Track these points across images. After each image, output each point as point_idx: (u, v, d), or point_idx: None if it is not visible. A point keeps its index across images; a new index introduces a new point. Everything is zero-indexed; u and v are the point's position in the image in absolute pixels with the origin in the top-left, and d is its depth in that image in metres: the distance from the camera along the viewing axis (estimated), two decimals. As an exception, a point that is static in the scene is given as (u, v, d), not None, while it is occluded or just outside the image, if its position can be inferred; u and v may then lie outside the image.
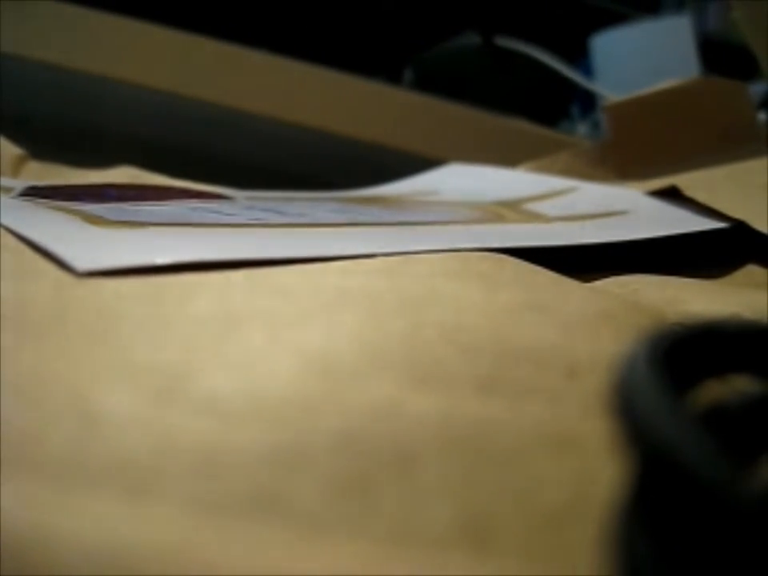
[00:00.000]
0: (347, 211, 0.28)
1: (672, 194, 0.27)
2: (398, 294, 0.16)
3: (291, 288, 0.16)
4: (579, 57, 0.63)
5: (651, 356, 0.09)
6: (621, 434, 0.08)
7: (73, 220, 0.20)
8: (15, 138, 0.35)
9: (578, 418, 0.12)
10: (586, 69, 0.63)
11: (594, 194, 0.30)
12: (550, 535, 0.09)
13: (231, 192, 0.31)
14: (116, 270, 0.15)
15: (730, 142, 0.34)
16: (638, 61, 0.60)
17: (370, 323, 0.14)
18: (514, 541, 0.09)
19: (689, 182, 0.27)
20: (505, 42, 0.61)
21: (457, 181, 0.35)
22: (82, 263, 0.15)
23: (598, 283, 0.20)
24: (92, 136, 0.48)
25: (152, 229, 0.20)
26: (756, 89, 0.46)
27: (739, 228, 0.23)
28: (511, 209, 0.29)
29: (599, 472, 0.10)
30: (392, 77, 0.62)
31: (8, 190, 0.26)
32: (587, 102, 0.63)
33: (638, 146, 0.36)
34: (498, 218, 0.27)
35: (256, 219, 0.24)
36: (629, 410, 0.08)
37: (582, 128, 0.64)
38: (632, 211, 0.27)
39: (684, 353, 0.10)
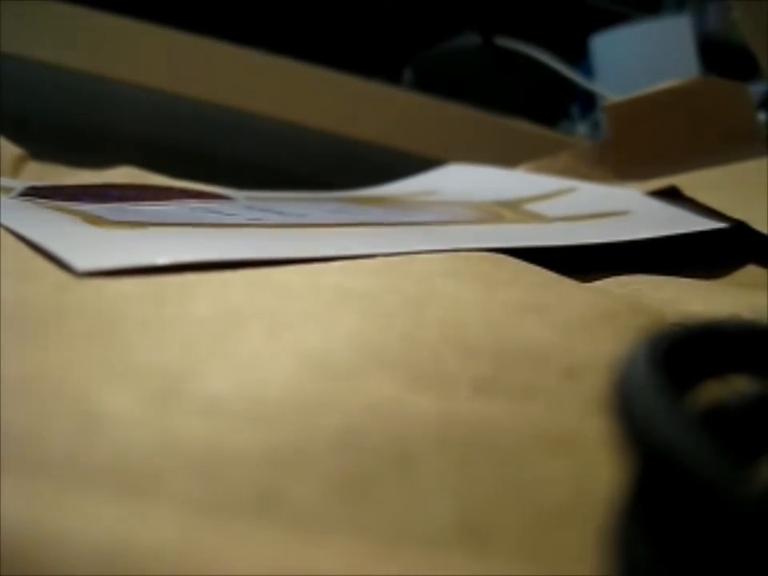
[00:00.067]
0: (347, 211, 0.28)
1: (672, 194, 0.27)
2: (398, 294, 0.16)
3: (291, 288, 0.16)
4: (579, 57, 0.63)
5: (651, 356, 0.09)
6: (620, 434, 0.08)
7: (73, 220, 0.20)
8: (15, 138, 0.35)
9: (578, 418, 0.12)
10: (586, 69, 0.63)
11: (593, 194, 0.30)
12: (549, 535, 0.09)
13: (231, 192, 0.31)
14: (116, 270, 0.15)
15: (730, 142, 0.34)
16: (638, 61, 0.60)
17: (370, 323, 0.14)
18: (513, 540, 0.09)
19: (689, 182, 0.27)
20: (505, 42, 0.61)
21: (457, 181, 0.35)
22: (82, 263, 0.15)
23: (598, 283, 0.20)
24: (92, 136, 0.48)
25: (152, 229, 0.20)
26: (756, 89, 0.46)
27: (739, 228, 0.23)
28: (511, 209, 0.29)
29: (598, 472, 0.10)
30: (392, 77, 0.62)
31: (8, 190, 0.26)
32: (587, 102, 0.63)
33: (638, 146, 0.36)
34: (498, 218, 0.27)
35: (256, 219, 0.24)
36: (628, 410, 0.08)
37: (582, 128, 0.64)
38: (632, 211, 0.27)
39: (684, 353, 0.10)
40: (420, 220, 0.26)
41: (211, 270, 0.16)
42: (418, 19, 0.65)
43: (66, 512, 0.09)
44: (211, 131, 0.50)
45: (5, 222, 0.18)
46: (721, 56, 0.62)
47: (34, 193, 0.26)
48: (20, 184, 0.28)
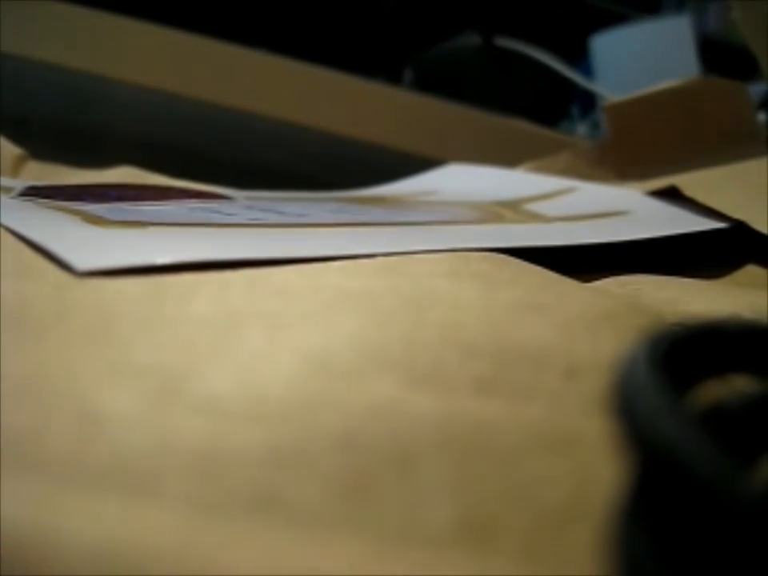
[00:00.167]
0: (347, 211, 0.28)
1: (672, 194, 0.27)
2: (398, 294, 0.16)
3: (291, 288, 0.16)
4: (579, 57, 0.63)
5: (651, 356, 0.09)
6: (620, 434, 0.08)
7: (73, 220, 0.20)
8: (15, 137, 0.35)
9: (578, 418, 0.12)
10: (586, 69, 0.63)
11: (593, 194, 0.30)
12: (550, 535, 0.09)
13: (231, 192, 0.31)
14: (116, 269, 0.15)
15: (729, 142, 0.34)
16: (637, 61, 0.60)
17: (370, 323, 0.14)
18: (514, 540, 0.09)
19: (689, 182, 0.27)
20: (505, 42, 0.61)
21: (457, 181, 0.35)
22: (82, 263, 0.15)
23: (598, 283, 0.20)
24: (92, 136, 0.48)
25: (152, 229, 0.20)
26: (756, 89, 0.46)
27: (739, 228, 0.23)
28: (511, 209, 0.29)
29: (599, 472, 0.10)
30: (392, 77, 0.62)
31: (8, 190, 0.26)
32: (587, 102, 0.64)
33: (638, 145, 0.36)
34: (498, 218, 0.27)
35: (256, 219, 0.24)
36: (628, 410, 0.08)
37: (582, 128, 0.64)
38: (632, 211, 0.27)
39: (684, 353, 0.10)
40: (420, 220, 0.26)
41: (211, 269, 0.16)
42: (418, 19, 0.65)
43: (66, 512, 0.09)
44: (211, 131, 0.50)
45: (5, 221, 0.18)
46: (721, 56, 0.62)
47: (34, 193, 0.26)
48: (20, 184, 0.28)
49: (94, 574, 0.08)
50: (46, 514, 0.09)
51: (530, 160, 0.38)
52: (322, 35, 0.61)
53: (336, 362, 0.13)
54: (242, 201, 0.29)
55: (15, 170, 0.33)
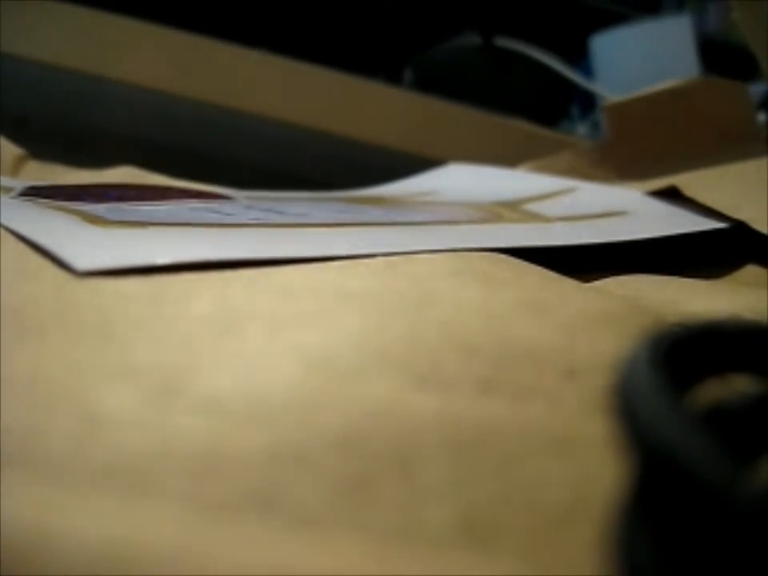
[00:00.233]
0: (347, 211, 0.28)
1: (672, 194, 0.27)
2: (398, 294, 0.16)
3: (291, 288, 0.16)
4: (579, 57, 0.63)
5: (651, 356, 0.09)
6: (621, 435, 0.08)
7: (73, 220, 0.20)
8: (15, 137, 0.35)
9: (578, 418, 0.12)
10: (586, 69, 0.63)
11: (593, 194, 0.30)
12: (551, 535, 0.09)
13: (231, 192, 0.31)
14: (116, 269, 0.15)
15: (729, 142, 0.34)
16: (638, 61, 0.60)
17: (370, 323, 0.14)
18: (514, 541, 0.09)
19: (689, 182, 0.27)
20: (505, 42, 0.61)
21: (457, 181, 0.35)
22: (82, 263, 0.15)
23: (598, 283, 0.20)
24: (92, 136, 0.48)
25: (152, 229, 0.20)
26: (756, 89, 0.46)
27: (739, 228, 0.23)
28: (511, 209, 0.29)
29: (599, 472, 0.10)
30: (392, 77, 0.62)
31: (8, 190, 0.26)
32: (587, 102, 0.63)
33: (638, 145, 0.36)
34: (498, 218, 0.27)
35: (256, 219, 0.24)
36: (629, 410, 0.08)
37: (582, 128, 0.64)
38: (632, 211, 0.27)
39: (684, 353, 0.10)
40: (420, 220, 0.26)
41: (211, 269, 0.16)
42: (418, 19, 0.65)
43: (66, 512, 0.09)
44: (211, 131, 0.50)
45: (5, 221, 0.18)
46: (721, 56, 0.62)
47: (34, 192, 0.26)
48: (20, 184, 0.28)
49: (94, 574, 0.08)
50: (46, 514, 0.09)
51: (530, 160, 0.38)
52: (322, 35, 0.61)
53: (336, 362, 0.13)
54: (242, 201, 0.29)
55: (15, 169, 0.33)
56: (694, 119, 0.36)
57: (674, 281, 0.20)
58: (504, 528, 0.09)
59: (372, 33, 0.63)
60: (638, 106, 0.36)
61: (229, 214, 0.25)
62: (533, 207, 0.29)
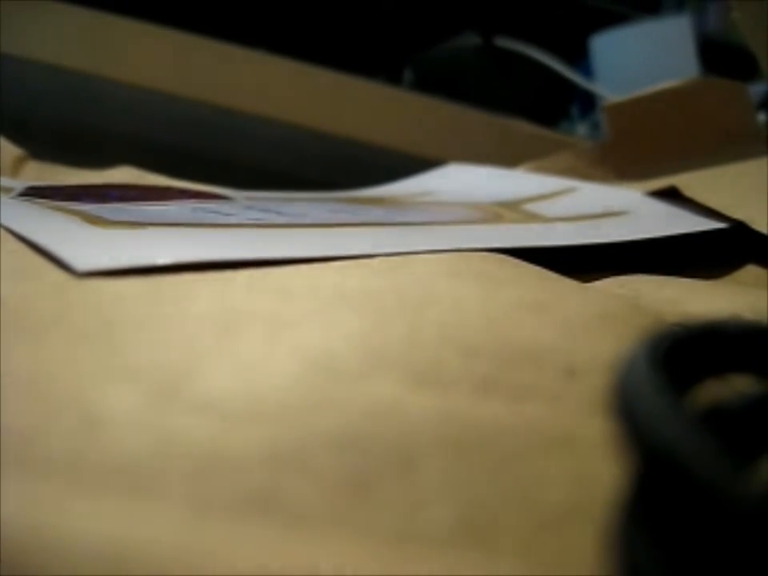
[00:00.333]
0: (347, 211, 0.28)
1: (672, 194, 0.27)
2: (398, 294, 0.16)
3: (291, 288, 0.16)
4: (579, 57, 0.63)
5: (651, 356, 0.09)
6: (620, 435, 0.08)
7: (73, 220, 0.20)
8: (15, 138, 0.35)
9: (578, 419, 0.12)
10: (586, 69, 0.63)
11: (593, 194, 0.30)
12: (550, 535, 0.09)
13: (231, 192, 0.31)
14: (116, 270, 0.15)
15: (729, 142, 0.34)
16: (638, 61, 0.60)
17: (370, 323, 0.14)
18: (514, 541, 0.09)
19: (688, 182, 0.27)
20: (504, 42, 0.61)
21: (456, 181, 0.35)
22: (82, 263, 0.15)
23: (598, 283, 0.20)
24: (92, 136, 0.48)
25: (152, 229, 0.20)
26: (756, 89, 0.46)
27: (739, 228, 0.23)
28: (511, 209, 0.29)
29: (599, 472, 0.10)
30: (392, 77, 0.62)
31: (8, 190, 0.26)
32: (587, 102, 0.64)
33: (638, 146, 0.36)
34: (498, 219, 0.27)
35: (255, 219, 0.24)
36: (629, 410, 0.08)
37: (582, 128, 0.64)
38: (632, 211, 0.27)
39: (684, 353, 0.10)
40: (420, 220, 0.26)
41: (211, 270, 0.16)
42: (418, 19, 0.65)
43: (66, 512, 0.09)
44: (211, 131, 0.50)
45: (5, 222, 0.18)
46: (721, 56, 0.62)
47: (34, 193, 0.26)
48: (20, 184, 0.28)
49: (94, 574, 0.08)
50: (47, 514, 0.09)
51: (530, 160, 0.38)
52: (322, 35, 0.61)
53: (336, 362, 0.13)
54: (242, 201, 0.29)
55: (15, 170, 0.33)
56: (694, 119, 0.36)
57: (674, 281, 0.20)
58: (504, 528, 0.09)
59: (372, 33, 0.63)
60: (638, 106, 0.36)
61: (228, 214, 0.25)
62: (533, 207, 0.29)
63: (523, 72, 0.62)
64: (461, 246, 0.19)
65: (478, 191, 0.32)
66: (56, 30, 0.46)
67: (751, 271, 0.22)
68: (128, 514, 0.09)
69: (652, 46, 0.61)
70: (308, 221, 0.25)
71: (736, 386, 0.10)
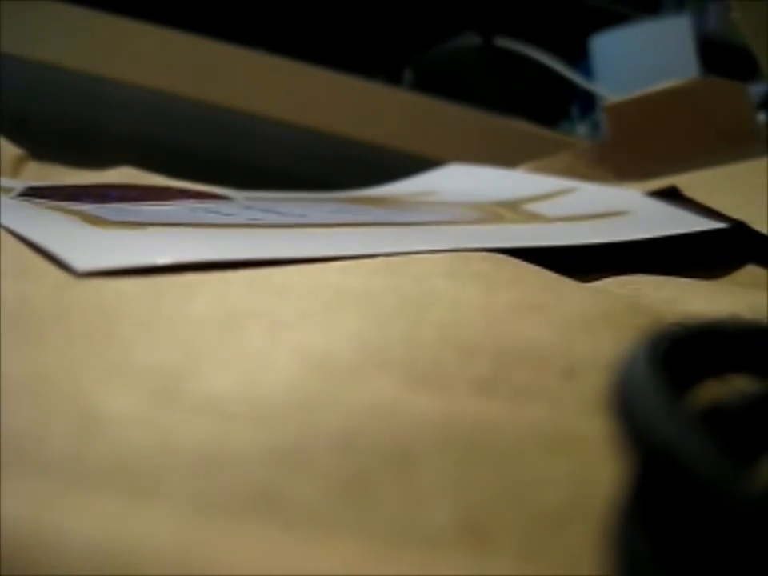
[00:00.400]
0: (347, 211, 0.28)
1: (672, 195, 0.27)
2: (398, 294, 0.16)
3: (291, 288, 0.16)
4: (579, 57, 0.63)
5: (651, 356, 0.09)
6: (620, 434, 0.08)
7: (72, 220, 0.20)
8: (15, 138, 0.35)
9: (577, 418, 0.12)
10: (586, 69, 0.63)
11: (593, 194, 0.30)
12: (549, 535, 0.09)
13: (230, 192, 0.31)
14: (116, 270, 0.15)
15: (729, 142, 0.34)
16: (638, 61, 0.60)
17: (370, 323, 0.14)
18: (513, 541, 0.09)
19: (688, 182, 0.27)
20: (504, 42, 0.61)
21: (456, 181, 0.35)
22: (82, 263, 0.15)
23: (598, 283, 0.20)
24: (92, 136, 0.48)
25: (152, 229, 0.20)
26: (756, 89, 0.46)
27: (739, 228, 0.23)
28: (511, 209, 0.29)
29: (598, 472, 0.10)
30: (392, 77, 0.62)
31: (8, 190, 0.26)
32: (587, 102, 0.64)
33: (638, 146, 0.36)
34: (498, 219, 0.27)
35: (255, 219, 0.24)
36: (628, 410, 0.08)
37: (582, 128, 0.64)
38: (632, 211, 0.27)
39: (683, 353, 0.10)
40: (420, 220, 0.26)
41: (211, 270, 0.16)
42: (418, 19, 0.65)
43: (66, 512, 0.09)
44: (210, 132, 0.50)
45: (5, 222, 0.18)
46: (721, 56, 0.62)
47: (34, 193, 0.26)
48: (20, 184, 0.28)
49: (94, 574, 0.08)
50: (46, 514, 0.09)
51: (529, 160, 0.38)
52: (322, 35, 0.61)
53: (336, 362, 0.13)
54: (242, 201, 0.29)
55: (15, 170, 0.33)
56: (694, 119, 0.36)
57: (674, 281, 0.20)
58: (503, 528, 0.09)
59: (372, 33, 0.63)
60: (637, 106, 0.36)
61: (228, 215, 0.25)
62: (533, 207, 0.29)
63: (523, 72, 0.62)
64: (461, 246, 0.19)
65: (478, 191, 0.32)
66: (56, 30, 0.46)
67: (751, 271, 0.22)
68: (128, 514, 0.09)
69: (652, 46, 0.61)
70: (308, 221, 0.25)
71: (736, 386, 0.10)
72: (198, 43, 0.48)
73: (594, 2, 0.68)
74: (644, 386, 0.09)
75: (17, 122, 0.44)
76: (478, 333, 0.14)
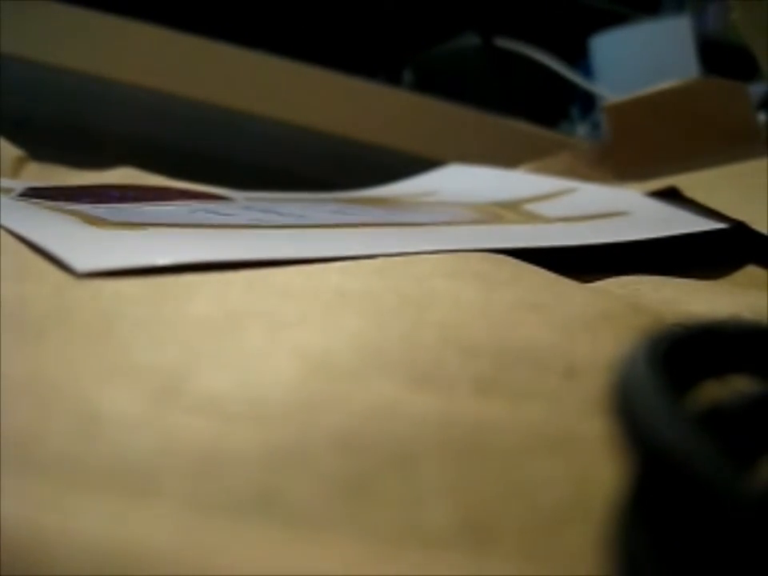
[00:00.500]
0: (347, 212, 0.28)
1: (672, 195, 0.27)
2: (398, 295, 0.16)
3: (291, 288, 0.16)
4: (579, 57, 0.63)
5: (651, 356, 0.09)
6: (620, 435, 0.08)
7: (73, 221, 0.20)
8: (15, 139, 0.35)
9: (577, 419, 0.12)
10: (586, 69, 0.63)
11: (593, 194, 0.30)
12: (549, 535, 0.09)
13: (231, 193, 0.31)
14: (116, 270, 0.15)
15: (729, 142, 0.34)
16: (638, 61, 0.60)
17: (370, 323, 0.14)
18: (513, 541, 0.09)
19: (688, 182, 0.27)
20: (504, 42, 0.61)
21: (456, 181, 0.35)
22: (82, 264, 0.15)
23: (598, 284, 0.20)
24: (92, 136, 0.48)
25: (152, 229, 0.20)
26: (756, 89, 0.46)
27: (739, 229, 0.23)
28: (511, 209, 0.29)
29: (598, 472, 0.10)
30: (392, 77, 0.62)
31: (8, 191, 0.26)
32: (587, 102, 0.64)
33: (638, 146, 0.36)
34: (498, 219, 0.27)
35: (255, 220, 0.24)
36: (628, 410, 0.08)
37: (582, 129, 0.64)
38: (632, 212, 0.27)
39: (683, 353, 0.10)
40: (420, 220, 0.26)
41: (211, 270, 0.16)
42: (418, 19, 0.65)
43: (66, 512, 0.09)
44: (210, 132, 0.50)
45: (5, 222, 0.18)
46: (721, 56, 0.62)
47: (34, 193, 0.26)
48: (20, 185, 0.28)
49: (94, 574, 0.08)
50: (46, 514, 0.09)
51: (529, 160, 0.38)
52: (322, 35, 0.61)
53: (336, 363, 0.13)
54: (242, 202, 0.29)
55: (15, 171, 0.33)
56: (694, 119, 0.36)
57: (674, 281, 0.20)
58: (504, 528, 0.09)
59: (372, 33, 0.63)
60: (637, 107, 0.36)
61: (228, 215, 0.25)
62: (532, 208, 0.29)
63: (523, 72, 0.62)
64: (461, 246, 0.19)
65: (477, 191, 0.32)
66: (56, 30, 0.46)
67: (751, 272, 0.22)
68: (128, 514, 0.09)
69: (652, 46, 0.61)
70: (308, 221, 0.25)
71: (736, 386, 0.10)
72: (198, 43, 0.48)
73: (593, 2, 0.68)
74: (644, 387, 0.09)
75: (17, 122, 0.44)
76: (478, 333, 0.14)
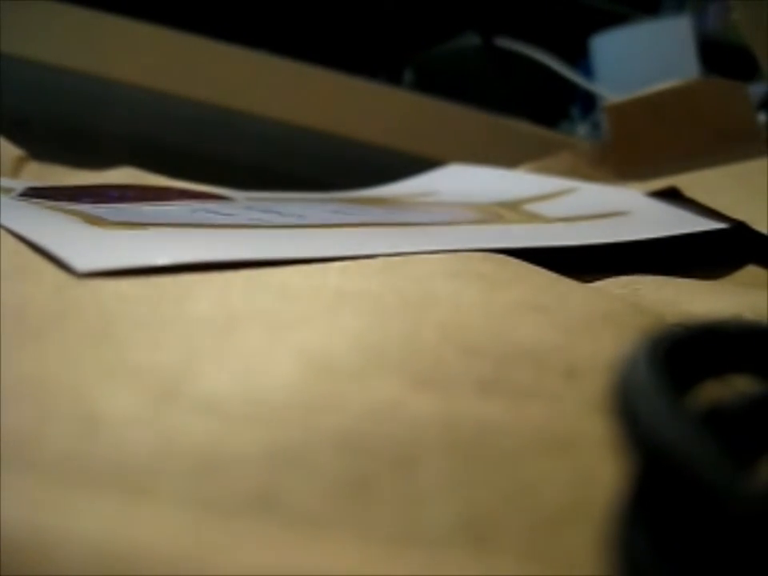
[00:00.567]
0: (347, 212, 0.28)
1: (672, 195, 0.27)
2: (399, 295, 0.16)
3: (291, 288, 0.16)
4: (579, 57, 0.63)
5: (651, 356, 0.09)
6: (621, 435, 0.08)
7: (73, 221, 0.20)
8: (15, 138, 0.35)
9: (578, 419, 0.12)
10: (586, 69, 0.63)
11: (594, 194, 0.30)
12: (550, 536, 0.09)
13: (231, 193, 0.31)
14: (116, 270, 0.15)
15: (729, 142, 0.34)
16: (638, 61, 0.60)
17: (371, 324, 0.14)
18: (514, 541, 0.09)
19: (689, 182, 0.27)
20: (505, 42, 0.61)
21: (457, 181, 0.35)
22: (82, 264, 0.15)
23: (599, 284, 0.20)
24: (92, 136, 0.48)
25: (152, 229, 0.20)
26: (756, 89, 0.46)
27: (739, 228, 0.23)
28: (511, 209, 0.29)
29: (599, 473, 0.10)
30: (392, 77, 0.62)
31: (8, 190, 0.26)
32: (587, 102, 0.64)
33: (638, 146, 0.36)
34: (498, 219, 0.27)
35: (256, 220, 0.24)
36: (629, 410, 0.08)
37: (582, 129, 0.64)
38: (632, 212, 0.27)
39: (684, 353, 0.10)
40: (420, 221, 0.26)
41: (211, 270, 0.16)
42: (418, 19, 0.65)
43: (66, 512, 0.09)
44: (211, 132, 0.50)
45: (5, 222, 0.18)
46: (721, 56, 0.63)
47: (34, 193, 0.26)
48: (20, 184, 0.28)
49: (94, 574, 0.08)
50: (46, 514, 0.09)
51: (530, 160, 0.38)
52: (322, 35, 0.61)
53: (336, 363, 0.13)
54: (242, 201, 0.29)
55: (15, 170, 0.33)
56: (694, 119, 0.36)
57: (674, 281, 0.20)
58: (504, 528, 0.09)
59: (372, 33, 0.63)
60: (638, 106, 0.36)
61: (228, 215, 0.25)
62: (533, 208, 0.29)
63: (523, 72, 0.62)
64: (461, 246, 0.19)
65: (478, 191, 0.32)
66: (56, 30, 0.46)
67: (751, 271, 0.22)
68: (128, 514, 0.09)
69: (652, 46, 0.61)
70: (308, 221, 0.25)
71: (736, 386, 0.10)
72: (198, 43, 0.48)
73: (594, 2, 0.68)
74: (645, 387, 0.09)
75: (17, 122, 0.44)
76: (479, 333, 0.14)
